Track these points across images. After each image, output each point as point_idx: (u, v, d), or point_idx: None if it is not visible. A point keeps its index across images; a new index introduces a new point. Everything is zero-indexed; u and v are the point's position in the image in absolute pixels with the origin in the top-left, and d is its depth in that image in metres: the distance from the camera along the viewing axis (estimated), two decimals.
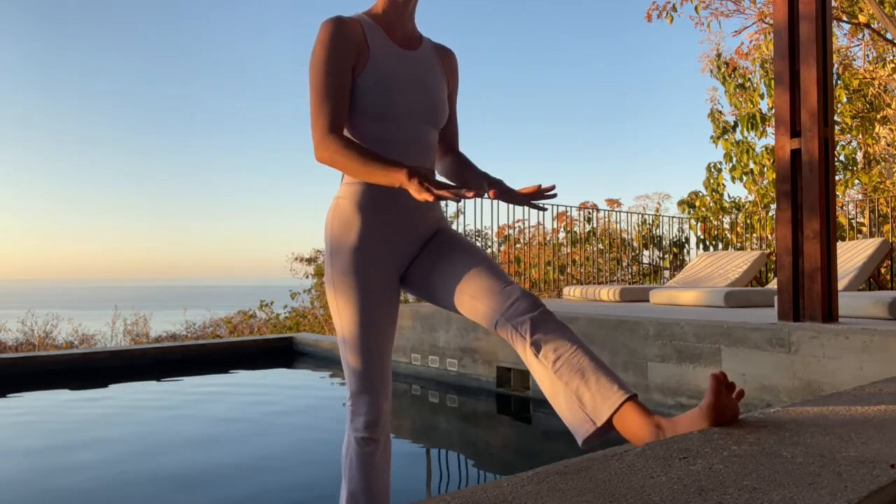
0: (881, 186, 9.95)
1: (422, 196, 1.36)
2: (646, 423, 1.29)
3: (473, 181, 1.79)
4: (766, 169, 10.15)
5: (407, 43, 1.72)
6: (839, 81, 9.68)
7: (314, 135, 1.58)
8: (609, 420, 1.32)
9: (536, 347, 1.42)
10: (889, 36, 9.35)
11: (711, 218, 10.00)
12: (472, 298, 1.55)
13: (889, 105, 9.74)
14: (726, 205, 10.59)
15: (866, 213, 8.85)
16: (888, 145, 10.11)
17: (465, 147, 1.94)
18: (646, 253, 10.17)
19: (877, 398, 1.61)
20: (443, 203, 1.80)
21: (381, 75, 1.62)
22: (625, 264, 10.06)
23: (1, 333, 10.05)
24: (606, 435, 1.36)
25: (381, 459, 1.72)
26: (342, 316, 1.66)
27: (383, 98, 1.61)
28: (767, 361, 3.32)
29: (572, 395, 1.37)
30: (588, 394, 1.35)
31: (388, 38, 1.68)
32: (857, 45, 10.68)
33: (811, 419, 1.37)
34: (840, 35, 10.46)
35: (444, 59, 1.81)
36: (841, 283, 5.50)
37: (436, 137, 1.74)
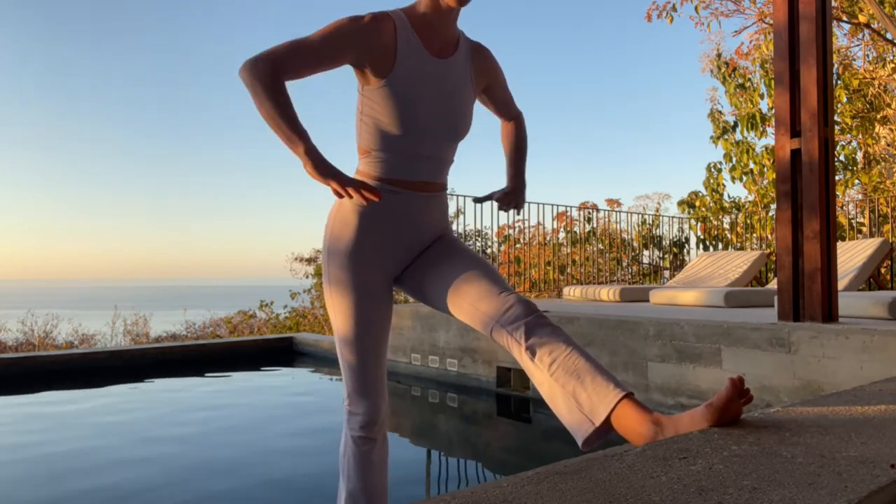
0: (881, 186, 9.95)
1: (315, 178, 1.46)
2: (644, 419, 1.28)
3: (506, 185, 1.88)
4: (766, 169, 10.15)
5: (441, 50, 1.62)
6: (839, 81, 9.68)
7: (262, 56, 1.47)
8: (607, 419, 1.32)
9: (531, 352, 1.42)
10: (889, 36, 9.35)
11: (711, 218, 10.00)
12: (468, 304, 1.55)
13: (889, 105, 9.74)
14: (726, 205, 10.59)
15: (866, 213, 8.85)
16: (888, 145, 10.10)
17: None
18: (646, 253, 10.17)
19: (877, 398, 1.61)
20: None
21: (404, 87, 1.55)
22: (625, 264, 10.06)
23: (1, 333, 10.05)
24: (607, 436, 1.36)
25: (378, 458, 1.73)
26: (338, 314, 1.67)
27: (404, 111, 1.55)
28: (767, 361, 3.32)
29: (569, 396, 1.37)
30: (585, 394, 1.35)
31: (422, 45, 1.58)
32: (857, 45, 10.68)
33: (811, 419, 1.37)
34: (840, 35, 10.46)
35: (478, 61, 1.72)
36: (841, 283, 5.50)
37: (453, 151, 1.71)
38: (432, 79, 1.59)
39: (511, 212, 1.88)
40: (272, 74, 1.46)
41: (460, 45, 1.67)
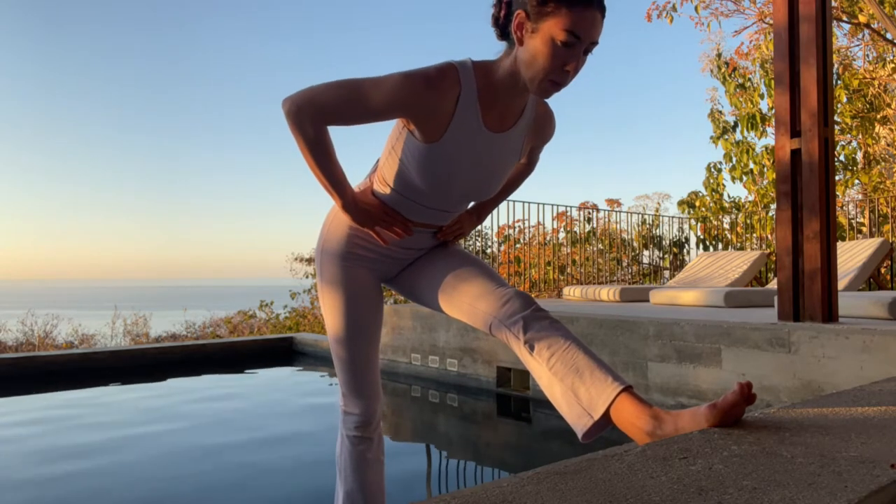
0: (881, 186, 9.95)
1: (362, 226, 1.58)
2: (642, 413, 1.28)
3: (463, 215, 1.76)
4: (766, 169, 10.15)
5: (500, 124, 1.48)
6: (839, 81, 9.68)
7: (306, 104, 1.38)
8: (606, 412, 1.32)
9: (530, 346, 1.42)
10: (889, 36, 9.35)
11: (711, 218, 10.00)
12: (466, 303, 1.55)
13: (889, 105, 9.74)
14: (726, 205, 10.59)
15: (866, 213, 8.85)
16: (888, 145, 10.10)
17: None
18: (646, 253, 10.17)
19: (877, 398, 1.61)
20: None
21: (445, 156, 1.45)
22: (625, 264, 10.06)
23: (1, 333, 10.05)
24: (606, 429, 1.36)
25: (374, 457, 1.74)
26: (331, 314, 1.68)
27: (437, 178, 1.49)
28: (767, 361, 3.32)
29: (568, 390, 1.37)
30: (583, 388, 1.35)
31: (481, 120, 1.44)
32: (857, 45, 10.68)
33: (811, 419, 1.37)
34: (840, 35, 10.46)
35: (538, 127, 1.60)
36: (841, 283, 5.50)
37: (469, 205, 1.68)
38: (478, 152, 1.48)
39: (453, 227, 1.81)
40: (316, 127, 1.40)
41: (525, 113, 1.52)
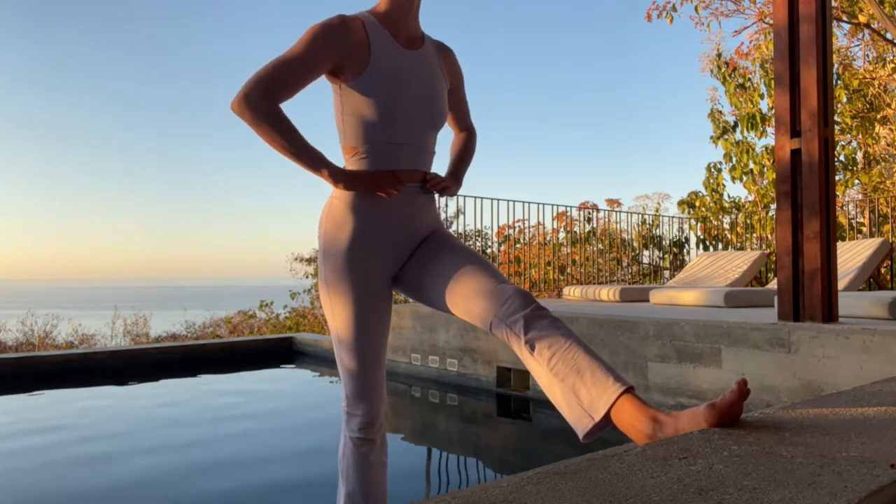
0: (881, 186, 9.95)
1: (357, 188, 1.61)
2: (643, 416, 1.28)
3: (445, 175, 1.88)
4: (766, 169, 10.15)
5: (410, 43, 1.69)
6: (839, 81, 9.68)
7: (250, 86, 1.50)
8: (607, 414, 1.32)
9: (531, 346, 1.41)
10: (889, 36, 9.35)
11: (711, 218, 10.00)
12: (466, 300, 1.55)
13: (889, 105, 9.74)
14: (726, 205, 10.59)
15: (866, 213, 8.85)
16: (888, 145, 10.10)
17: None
18: (646, 253, 10.17)
19: (877, 398, 1.61)
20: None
21: (385, 77, 1.59)
22: (625, 264, 10.06)
23: (1, 333, 10.04)
24: (607, 428, 1.36)
25: (377, 459, 1.73)
26: (336, 317, 1.66)
27: (385, 100, 1.59)
28: (767, 361, 3.32)
29: (569, 391, 1.36)
30: (584, 389, 1.34)
31: (392, 39, 1.64)
32: (857, 45, 10.68)
33: (811, 419, 1.37)
34: (840, 35, 10.45)
35: (445, 58, 1.79)
36: (841, 283, 5.50)
37: (434, 141, 1.74)
38: (407, 68, 1.64)
39: (455, 199, 1.91)
40: (268, 105, 1.51)
41: (426, 41, 1.74)
